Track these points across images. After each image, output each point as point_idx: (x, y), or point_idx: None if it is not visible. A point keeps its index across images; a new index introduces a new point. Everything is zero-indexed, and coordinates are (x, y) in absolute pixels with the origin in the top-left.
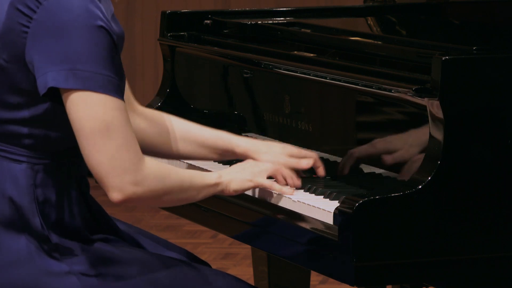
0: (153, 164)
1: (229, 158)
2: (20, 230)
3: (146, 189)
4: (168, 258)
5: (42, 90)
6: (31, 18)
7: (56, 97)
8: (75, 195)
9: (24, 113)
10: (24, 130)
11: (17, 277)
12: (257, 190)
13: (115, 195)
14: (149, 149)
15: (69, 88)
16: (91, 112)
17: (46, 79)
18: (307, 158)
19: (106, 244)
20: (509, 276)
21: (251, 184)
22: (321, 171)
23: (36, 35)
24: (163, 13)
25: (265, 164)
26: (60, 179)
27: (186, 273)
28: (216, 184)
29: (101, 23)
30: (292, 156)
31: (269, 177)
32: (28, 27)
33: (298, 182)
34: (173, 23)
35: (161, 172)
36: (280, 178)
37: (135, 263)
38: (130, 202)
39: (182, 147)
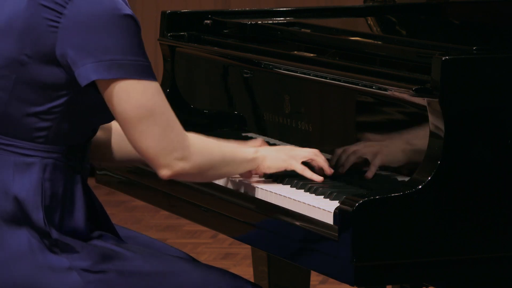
0: (197, 140)
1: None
2: (22, 225)
3: (193, 164)
4: (168, 255)
5: (83, 82)
6: (60, 13)
7: (80, 89)
8: (80, 191)
9: (40, 108)
10: (37, 124)
11: (19, 272)
12: (258, 191)
13: (165, 172)
14: (106, 156)
15: (110, 79)
16: (134, 102)
17: (87, 72)
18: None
19: (106, 241)
20: (509, 276)
21: (284, 164)
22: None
23: (69, 30)
24: (163, 13)
25: (304, 149)
26: (67, 174)
27: (186, 267)
28: (253, 159)
29: (128, 11)
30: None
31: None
32: (58, 22)
33: (331, 170)
34: (173, 23)
35: (205, 148)
36: (315, 164)
37: (135, 259)
38: (178, 177)
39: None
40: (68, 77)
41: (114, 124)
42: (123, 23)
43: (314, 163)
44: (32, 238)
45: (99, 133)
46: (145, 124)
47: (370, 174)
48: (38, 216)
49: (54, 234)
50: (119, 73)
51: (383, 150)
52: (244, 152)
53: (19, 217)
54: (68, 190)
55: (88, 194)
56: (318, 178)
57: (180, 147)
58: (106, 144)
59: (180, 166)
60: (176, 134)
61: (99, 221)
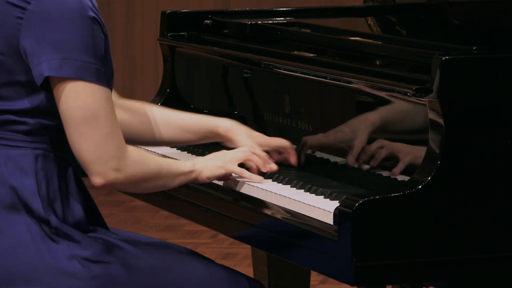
0: (134, 152)
1: (211, 140)
2: (21, 212)
3: (127, 175)
4: (170, 245)
5: (38, 80)
6: (25, 9)
7: (50, 87)
8: (74, 183)
9: (21, 104)
10: (22, 119)
11: (19, 260)
12: (258, 191)
13: (98, 180)
14: (133, 139)
15: (61, 77)
16: (81, 102)
17: (41, 69)
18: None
19: (107, 235)
20: (509, 276)
21: (222, 171)
22: (293, 160)
23: (30, 25)
24: (163, 13)
25: (237, 151)
26: (59, 165)
27: (188, 260)
28: (190, 172)
29: (92, 14)
30: (266, 145)
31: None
32: (21, 18)
33: (274, 167)
34: (173, 23)
35: (141, 160)
36: (251, 164)
37: (138, 253)
38: (111, 187)
39: (165, 133)
40: None
41: (148, 109)
42: (84, 24)
43: (250, 163)
44: (31, 225)
45: (133, 120)
46: (87, 127)
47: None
48: (36, 203)
49: (54, 221)
50: (71, 73)
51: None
52: (180, 165)
53: (18, 204)
54: (63, 181)
55: (84, 191)
56: (257, 178)
57: (117, 157)
58: (141, 128)
59: (114, 176)
60: (116, 144)
61: (96, 220)
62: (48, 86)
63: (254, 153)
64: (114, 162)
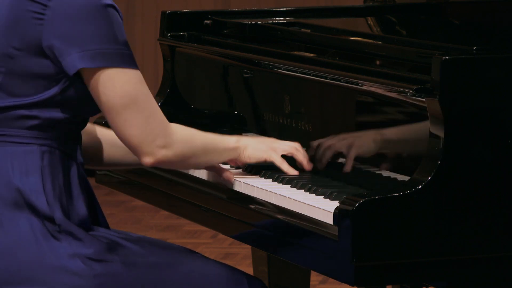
0: (179, 129)
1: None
2: (24, 211)
3: (175, 152)
4: (170, 244)
5: (71, 71)
6: (45, 5)
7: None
8: (77, 179)
9: (31, 99)
10: (31, 113)
11: (22, 258)
12: (258, 191)
13: (148, 160)
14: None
15: (95, 68)
16: (118, 90)
17: (73, 61)
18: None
19: (109, 234)
20: (509, 276)
21: (264, 155)
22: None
23: (54, 21)
24: (163, 13)
25: (284, 143)
26: (64, 161)
27: (189, 257)
28: (235, 148)
29: (109, 1)
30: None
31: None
32: (43, 14)
33: (311, 165)
34: (173, 23)
35: (188, 136)
36: (295, 158)
37: (139, 251)
38: (161, 165)
39: (112, 152)
40: (56, 68)
41: (98, 130)
42: (105, 13)
43: (294, 157)
44: (34, 223)
45: (84, 138)
46: (129, 112)
47: (348, 167)
48: (41, 200)
49: (58, 218)
50: (104, 62)
51: (356, 142)
52: (226, 140)
53: (21, 203)
54: (67, 178)
55: (88, 189)
56: (293, 171)
57: (163, 135)
58: (92, 149)
59: (163, 153)
60: (159, 122)
61: (98, 219)
62: (65, 79)
63: (298, 150)
64: (161, 140)
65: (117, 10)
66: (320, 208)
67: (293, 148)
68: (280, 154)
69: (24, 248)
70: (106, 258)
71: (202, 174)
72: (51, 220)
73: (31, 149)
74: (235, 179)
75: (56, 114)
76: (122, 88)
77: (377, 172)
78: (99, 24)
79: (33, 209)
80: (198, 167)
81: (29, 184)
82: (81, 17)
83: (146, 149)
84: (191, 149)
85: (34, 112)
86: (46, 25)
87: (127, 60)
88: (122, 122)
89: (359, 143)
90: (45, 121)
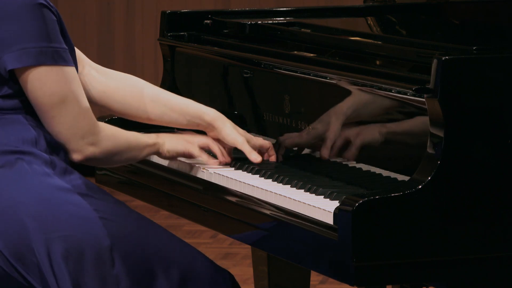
0: (106, 127)
1: (196, 127)
2: (26, 155)
3: (102, 148)
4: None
5: (5, 75)
6: None
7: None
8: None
9: (13, 101)
10: (11, 104)
11: (28, 189)
12: (257, 191)
13: (76, 156)
14: (118, 110)
15: (23, 67)
16: (46, 89)
17: (4, 63)
18: (258, 151)
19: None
20: (509, 276)
21: (182, 148)
22: (273, 159)
23: None
24: (163, 13)
25: (201, 136)
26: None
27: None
28: (154, 144)
29: (41, 0)
30: (249, 142)
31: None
32: None
33: (228, 159)
34: (173, 23)
35: (113, 134)
36: (211, 150)
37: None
38: (88, 162)
39: (152, 109)
40: None
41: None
42: (34, 12)
43: (210, 149)
44: (37, 164)
45: (123, 90)
46: (57, 111)
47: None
48: (39, 148)
49: (59, 163)
50: (30, 61)
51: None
52: (146, 137)
53: (22, 151)
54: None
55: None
56: (212, 161)
57: (91, 133)
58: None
59: (91, 150)
60: (88, 120)
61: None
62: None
63: (214, 142)
64: (89, 138)
65: (49, 8)
66: (320, 208)
67: (209, 140)
68: (197, 146)
69: (30, 180)
70: (104, 199)
71: (202, 174)
72: (52, 164)
73: (16, 117)
74: (235, 179)
75: (19, 104)
76: (51, 88)
77: (377, 172)
78: (26, 23)
79: (33, 154)
80: (121, 163)
81: (22, 139)
82: (9, 16)
83: (74, 146)
84: (116, 146)
85: (7, 101)
86: None
87: (56, 57)
88: (50, 119)
89: (366, 131)
90: (20, 102)
